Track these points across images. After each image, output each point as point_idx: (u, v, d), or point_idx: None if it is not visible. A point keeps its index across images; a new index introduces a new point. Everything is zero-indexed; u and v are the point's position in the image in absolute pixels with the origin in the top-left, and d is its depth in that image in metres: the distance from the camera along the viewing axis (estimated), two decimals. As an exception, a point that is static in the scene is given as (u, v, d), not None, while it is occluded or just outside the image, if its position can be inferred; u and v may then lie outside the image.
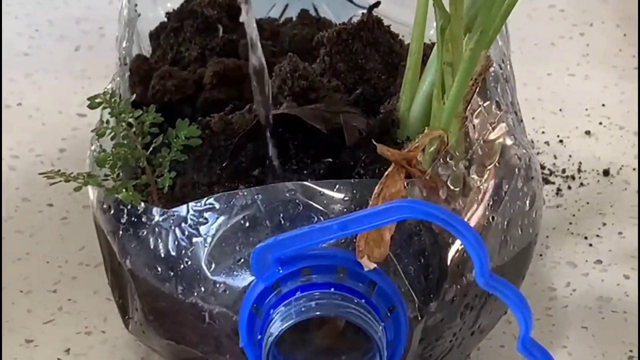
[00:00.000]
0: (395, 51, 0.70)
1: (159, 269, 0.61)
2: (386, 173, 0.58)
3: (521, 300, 0.55)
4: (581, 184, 0.82)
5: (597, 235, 0.78)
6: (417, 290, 0.60)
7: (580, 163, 0.83)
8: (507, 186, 0.63)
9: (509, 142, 0.63)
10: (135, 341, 0.70)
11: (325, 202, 0.59)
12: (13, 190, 0.83)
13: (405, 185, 0.58)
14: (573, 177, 0.82)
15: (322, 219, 0.59)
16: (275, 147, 0.64)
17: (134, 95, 0.68)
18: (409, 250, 0.59)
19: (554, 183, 0.82)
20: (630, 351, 0.70)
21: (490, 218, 0.62)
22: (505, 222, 0.63)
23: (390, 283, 0.58)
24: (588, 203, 0.80)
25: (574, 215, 0.79)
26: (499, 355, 0.70)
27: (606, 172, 0.82)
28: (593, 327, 0.71)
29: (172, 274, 0.61)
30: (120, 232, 0.62)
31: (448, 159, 0.60)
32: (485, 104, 0.63)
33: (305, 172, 0.63)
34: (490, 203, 0.62)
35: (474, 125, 0.62)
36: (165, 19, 0.76)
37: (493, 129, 0.63)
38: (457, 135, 0.60)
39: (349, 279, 0.57)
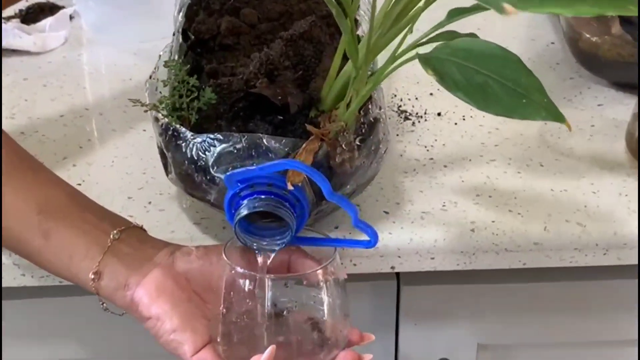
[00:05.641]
0: (321, 42, 0.64)
1: (185, 162, 0.58)
2: (310, 139, 0.56)
3: (348, 203, 0.54)
4: (425, 120, 0.79)
5: (432, 146, 0.75)
6: (315, 197, 0.57)
7: (426, 109, 0.80)
8: (374, 146, 0.60)
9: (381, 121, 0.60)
10: (176, 189, 0.68)
11: (275, 146, 0.56)
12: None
13: (320, 144, 0.56)
14: (422, 117, 0.79)
15: (273, 157, 0.56)
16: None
17: (188, 66, 0.62)
18: (310, 183, 0.56)
19: (411, 120, 0.78)
20: (442, 204, 0.67)
21: (362, 163, 0.59)
22: (370, 162, 0.60)
23: (304, 193, 0.55)
24: (428, 129, 0.77)
25: (420, 135, 0.76)
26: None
27: (439, 114, 0.80)
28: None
29: (193, 166, 0.58)
30: (167, 138, 0.59)
31: (345, 134, 0.57)
32: (370, 106, 0.59)
33: (268, 121, 0.59)
34: (364, 154, 0.59)
35: (363, 118, 0.58)
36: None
37: (373, 118, 0.59)
38: (352, 123, 0.58)
39: (275, 189, 0.54)
